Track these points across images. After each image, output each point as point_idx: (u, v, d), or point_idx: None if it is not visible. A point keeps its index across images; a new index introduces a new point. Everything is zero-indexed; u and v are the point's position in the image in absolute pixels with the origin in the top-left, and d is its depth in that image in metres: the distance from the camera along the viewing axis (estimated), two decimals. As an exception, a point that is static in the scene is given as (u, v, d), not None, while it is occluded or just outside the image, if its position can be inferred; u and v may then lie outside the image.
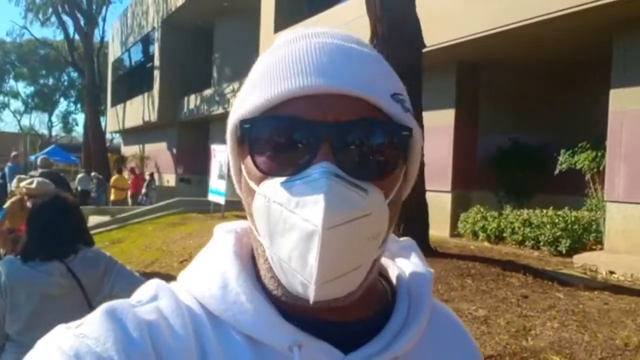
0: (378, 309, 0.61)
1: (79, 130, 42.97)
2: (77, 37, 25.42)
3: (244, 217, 0.62)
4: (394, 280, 0.67)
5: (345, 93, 0.51)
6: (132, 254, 8.18)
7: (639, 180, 6.38)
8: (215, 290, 0.55)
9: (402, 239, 0.74)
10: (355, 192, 0.49)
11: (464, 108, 8.75)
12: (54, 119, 47.80)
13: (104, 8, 26.88)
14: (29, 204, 4.39)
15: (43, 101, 45.02)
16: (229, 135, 0.58)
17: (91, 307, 1.86)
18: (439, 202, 8.55)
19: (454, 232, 8.50)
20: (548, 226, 7.08)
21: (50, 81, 44.42)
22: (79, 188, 15.64)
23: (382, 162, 0.53)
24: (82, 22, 23.96)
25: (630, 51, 6.47)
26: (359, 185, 0.50)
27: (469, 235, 8.20)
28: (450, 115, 8.72)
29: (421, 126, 5.46)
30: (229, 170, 0.73)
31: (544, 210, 7.37)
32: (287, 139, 0.52)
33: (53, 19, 27.86)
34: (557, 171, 7.68)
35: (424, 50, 6.21)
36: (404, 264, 0.69)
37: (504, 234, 7.70)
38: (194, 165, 18.79)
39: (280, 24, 12.06)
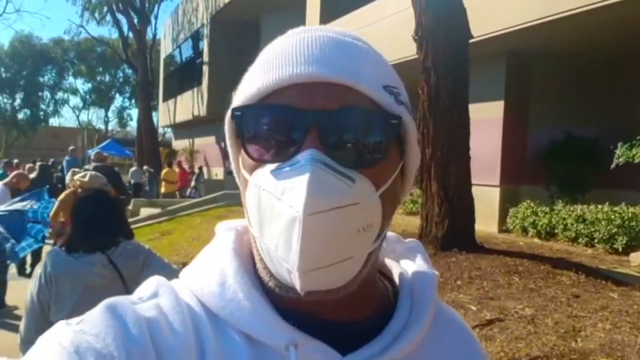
0: (378, 309, 0.61)
1: (133, 125, 44.46)
2: (131, 35, 26.26)
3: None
4: (397, 281, 0.66)
5: (334, 81, 0.51)
6: (180, 245, 8.41)
7: None
8: (213, 287, 0.55)
9: (407, 240, 0.73)
10: (342, 180, 0.49)
11: (513, 100, 8.48)
12: (110, 114, 49.72)
13: (156, 6, 27.70)
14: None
15: (100, 97, 46.88)
16: (226, 127, 0.59)
17: None
18: (487, 197, 8.34)
19: (503, 227, 8.27)
20: (603, 222, 6.78)
21: (107, 78, 46.22)
22: (132, 181, 16.26)
23: (370, 151, 0.53)
24: (135, 20, 24.76)
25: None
26: (346, 173, 0.50)
27: (518, 231, 7.96)
28: (499, 108, 8.47)
29: (468, 119, 5.36)
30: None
31: (599, 206, 7.05)
32: (276, 127, 0.52)
33: (108, 17, 28.93)
34: (613, 165, 7.31)
35: (471, 41, 6.04)
36: (408, 265, 0.68)
37: (556, 230, 7.43)
38: (241, 159, 19.04)
39: (326, 17, 12.03)
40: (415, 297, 0.62)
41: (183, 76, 23.98)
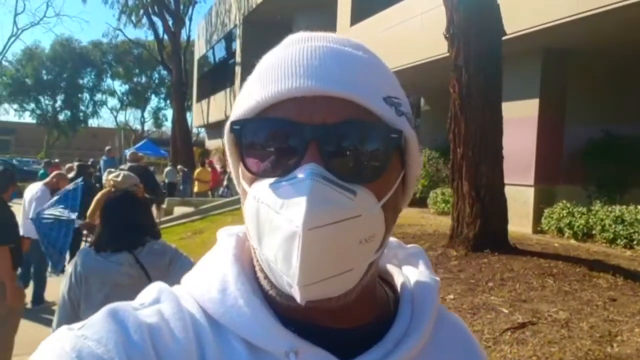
0: (379, 316, 0.60)
1: (168, 125, 45.38)
2: (166, 37, 26.75)
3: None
4: (398, 287, 0.66)
5: (333, 95, 0.51)
6: (211, 244, 8.37)
7: None
8: (214, 293, 0.56)
9: (409, 245, 0.73)
10: (342, 194, 0.49)
11: (549, 98, 8.26)
12: (146, 114, 50.89)
13: (190, 8, 28.15)
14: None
15: (136, 98, 48.00)
16: (226, 138, 0.59)
17: None
18: (521, 197, 8.16)
19: (537, 228, 8.07)
20: (643, 224, 6.53)
21: (143, 79, 47.27)
22: (166, 180, 16.64)
23: (370, 164, 0.53)
24: (170, 23, 25.22)
25: None
26: (346, 186, 0.50)
27: (553, 232, 7.76)
28: (534, 106, 8.26)
29: (500, 117, 5.25)
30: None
31: (639, 207, 6.81)
32: (275, 141, 0.52)
33: (144, 20, 29.52)
34: (655, 164, 7.07)
35: (505, 38, 5.92)
36: (410, 272, 0.67)
37: (593, 232, 7.20)
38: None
39: (357, 16, 12.00)
40: (416, 304, 0.61)
41: (216, 77, 24.32)
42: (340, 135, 0.51)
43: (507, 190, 6.09)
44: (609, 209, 7.06)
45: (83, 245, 5.93)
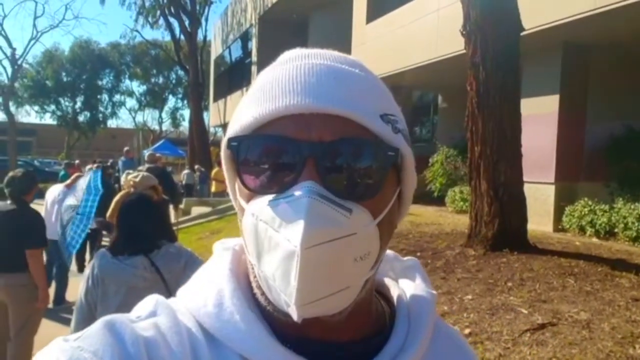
0: (375, 331, 0.61)
1: (185, 125, 45.75)
2: (182, 37, 26.94)
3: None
4: (394, 301, 0.66)
5: (330, 112, 0.52)
6: (229, 243, 8.55)
7: None
8: (210, 308, 0.56)
9: (405, 258, 0.73)
10: (338, 212, 0.49)
11: (570, 94, 8.12)
12: (163, 115, 51.27)
13: (206, 8, 28.29)
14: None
15: (154, 99, 48.41)
16: (223, 153, 0.59)
17: None
18: (541, 195, 8.05)
19: (558, 226, 7.95)
20: (667, 222, 6.39)
21: (160, 80, 47.67)
22: (183, 182, 16.97)
23: (367, 182, 0.53)
24: (186, 23, 25.39)
25: None
26: (343, 204, 0.50)
27: (574, 230, 7.64)
28: (554, 102, 8.13)
29: (519, 115, 5.18)
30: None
31: (663, 204, 6.66)
32: (273, 157, 0.53)
33: (161, 21, 29.73)
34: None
35: (524, 33, 5.83)
36: (406, 285, 0.68)
37: (616, 230, 7.07)
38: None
39: (372, 13, 11.94)
40: (412, 318, 0.62)
41: (232, 76, 24.44)
42: (337, 153, 0.52)
43: (527, 188, 6.01)
44: (632, 206, 6.93)
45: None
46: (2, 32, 28.42)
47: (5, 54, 29.34)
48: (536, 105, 8.08)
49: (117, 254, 2.24)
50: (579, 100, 8.23)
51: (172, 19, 26.84)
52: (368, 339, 0.59)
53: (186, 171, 18.63)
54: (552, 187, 8.10)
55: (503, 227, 5.60)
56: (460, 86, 6.60)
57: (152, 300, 0.59)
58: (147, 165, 7.63)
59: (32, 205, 4.03)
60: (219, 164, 17.68)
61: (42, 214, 5.38)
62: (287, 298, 0.49)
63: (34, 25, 54.09)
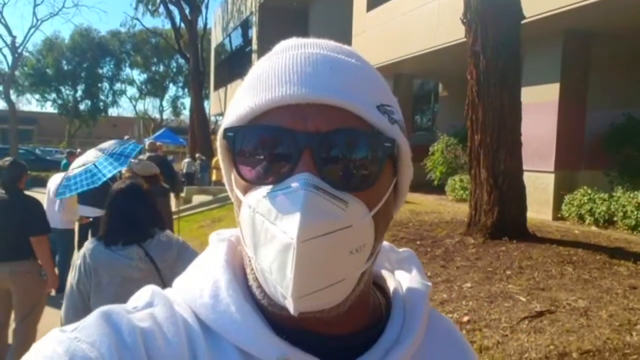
0: (370, 322, 0.61)
1: (186, 114, 45.64)
2: (182, 25, 26.79)
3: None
4: (390, 293, 0.66)
5: (326, 102, 0.51)
6: (230, 232, 8.57)
7: None
8: (206, 299, 0.56)
9: (401, 249, 0.73)
10: (335, 204, 0.49)
11: (570, 82, 8.09)
12: (164, 103, 51.38)
13: (207, -5, 28.06)
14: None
15: (155, 87, 48.26)
16: (219, 143, 0.58)
17: None
18: (540, 183, 8.06)
19: (558, 215, 7.97)
20: (667, 210, 6.41)
21: (161, 68, 47.50)
22: (184, 170, 16.97)
23: (363, 173, 0.52)
24: (187, 11, 25.21)
25: None
26: (339, 196, 0.50)
27: (574, 219, 7.66)
28: (555, 90, 8.10)
29: (519, 104, 5.17)
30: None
31: (663, 193, 6.67)
32: (269, 148, 0.52)
33: (161, 9, 29.61)
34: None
35: (524, 21, 5.81)
36: (402, 277, 0.68)
37: (615, 218, 7.09)
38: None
39: (373, 2, 11.85)
40: (407, 311, 0.62)
41: (233, 65, 24.33)
42: (334, 144, 0.51)
43: (527, 176, 6.02)
44: (631, 195, 6.94)
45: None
46: (2, 20, 28.25)
47: (5, 42, 29.31)
48: (536, 93, 8.06)
49: (110, 244, 2.19)
50: (580, 89, 8.20)
51: (172, 7, 26.67)
52: (364, 331, 0.59)
53: (187, 160, 18.59)
54: (552, 176, 8.11)
55: (502, 216, 5.63)
56: (460, 74, 6.58)
57: (148, 291, 0.58)
58: (147, 154, 7.64)
59: (35, 195, 4.05)
60: (220, 153, 17.77)
61: (45, 202, 5.42)
62: (284, 291, 0.49)
63: (34, 13, 54.14)
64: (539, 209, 7.80)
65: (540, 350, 3.19)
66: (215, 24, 28.04)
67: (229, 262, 0.59)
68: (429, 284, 0.67)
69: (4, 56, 45.76)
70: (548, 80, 8.13)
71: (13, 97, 31.57)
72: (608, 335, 3.31)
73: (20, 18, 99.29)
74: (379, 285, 0.68)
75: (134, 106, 53.17)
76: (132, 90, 66.67)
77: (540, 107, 7.98)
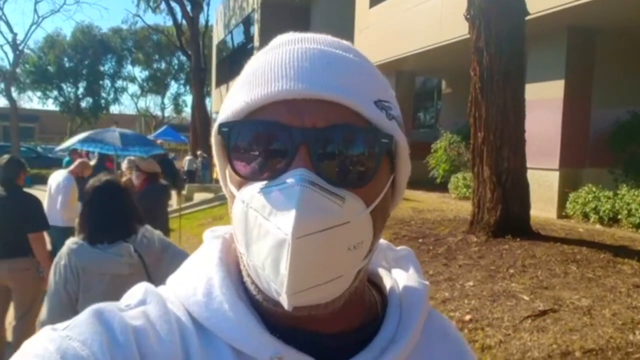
0: (366, 321, 0.60)
1: (188, 111, 45.61)
2: (184, 22, 26.76)
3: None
4: (387, 291, 0.65)
5: (323, 98, 0.50)
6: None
7: None
8: (199, 297, 0.55)
9: (399, 247, 0.72)
10: (331, 200, 0.48)
11: (575, 79, 8.04)
12: (166, 101, 51.11)
13: (208, -8, 28.02)
14: (135, 181, 4.76)
15: (156, 84, 48.22)
16: (213, 139, 0.58)
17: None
18: (545, 181, 8.01)
19: (562, 213, 7.93)
20: (671, 208, 6.37)
21: (162, 65, 47.46)
22: (185, 168, 17.02)
23: (360, 169, 0.52)
24: (188, 8, 25.19)
25: None
26: (336, 192, 0.49)
27: (578, 217, 7.62)
28: (559, 87, 8.06)
29: (523, 101, 5.14)
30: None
31: (667, 191, 6.63)
32: (264, 144, 0.51)
33: (163, 6, 29.57)
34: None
35: (529, 17, 5.76)
36: (399, 275, 0.67)
37: (619, 216, 7.04)
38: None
39: (375, -2, 11.81)
40: (404, 309, 0.61)
41: (235, 62, 24.29)
42: (331, 140, 0.50)
43: (531, 174, 5.98)
44: (636, 193, 6.90)
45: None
46: (3, 17, 28.31)
47: (6, 39, 29.36)
48: (541, 90, 8.01)
49: (95, 243, 2.14)
50: (584, 86, 8.15)
51: (173, 4, 26.66)
52: (359, 330, 0.58)
53: (188, 157, 18.65)
54: (556, 174, 8.07)
55: (505, 214, 5.59)
56: (464, 71, 6.54)
57: (141, 289, 0.58)
58: (148, 152, 7.63)
59: (36, 192, 4.04)
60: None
61: (45, 200, 5.40)
62: (277, 287, 0.48)
63: (35, 10, 54.05)
64: (543, 207, 7.76)
65: (542, 350, 3.16)
66: (217, 20, 28.00)
67: (222, 259, 0.58)
68: (427, 283, 0.66)
69: (5, 53, 45.97)
70: (552, 77, 8.08)
71: (14, 94, 31.67)
72: (611, 334, 3.28)
73: (21, 15, 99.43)
74: (375, 283, 0.68)
75: (136, 103, 52.86)
76: (133, 88, 67.03)
77: (544, 104, 7.94)
